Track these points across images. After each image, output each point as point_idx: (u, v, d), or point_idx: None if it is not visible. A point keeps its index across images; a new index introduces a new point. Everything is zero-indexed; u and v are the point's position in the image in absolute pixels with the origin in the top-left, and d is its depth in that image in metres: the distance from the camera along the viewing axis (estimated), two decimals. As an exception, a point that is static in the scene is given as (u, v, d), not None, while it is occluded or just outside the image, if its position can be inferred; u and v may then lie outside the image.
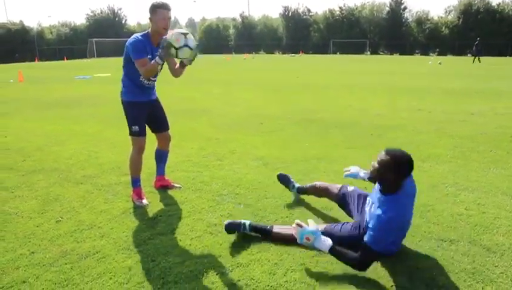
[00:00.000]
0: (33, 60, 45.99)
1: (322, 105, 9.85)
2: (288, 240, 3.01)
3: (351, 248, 2.72)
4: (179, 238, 3.19)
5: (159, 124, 4.09)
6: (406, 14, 59.41)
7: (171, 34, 3.36)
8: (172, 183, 4.33)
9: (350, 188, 3.41)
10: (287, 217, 3.53)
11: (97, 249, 3.06)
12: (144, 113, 3.88)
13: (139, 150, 3.88)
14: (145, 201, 3.87)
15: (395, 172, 2.69)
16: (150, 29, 3.67)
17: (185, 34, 3.37)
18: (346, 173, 3.48)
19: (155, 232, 3.31)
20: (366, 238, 2.66)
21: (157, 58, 3.46)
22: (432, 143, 6.06)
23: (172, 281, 2.64)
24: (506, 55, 47.71)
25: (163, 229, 3.36)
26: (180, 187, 4.31)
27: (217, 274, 2.70)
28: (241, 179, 4.52)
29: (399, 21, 58.20)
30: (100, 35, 52.38)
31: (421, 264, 2.78)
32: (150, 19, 3.61)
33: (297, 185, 3.91)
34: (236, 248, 3.03)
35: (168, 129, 4.17)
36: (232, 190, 4.20)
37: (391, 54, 55.81)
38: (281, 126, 7.39)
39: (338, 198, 3.43)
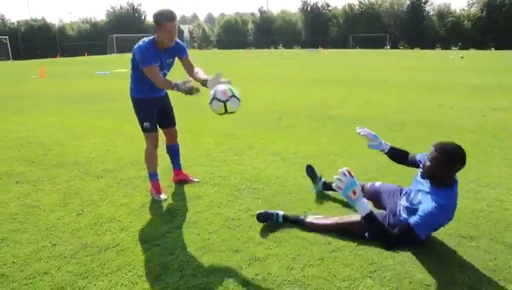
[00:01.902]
0: (55, 56, 46.83)
1: (340, 101, 9.76)
2: (321, 230, 3.10)
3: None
4: (196, 232, 3.21)
5: (166, 120, 4.09)
6: (427, 8, 58.44)
7: (215, 89, 3.29)
8: (190, 178, 4.36)
9: (378, 184, 3.47)
10: (304, 212, 3.51)
11: (117, 242, 3.10)
12: (154, 109, 3.89)
13: (153, 145, 3.92)
14: (163, 195, 3.91)
15: (450, 166, 2.70)
16: (156, 37, 3.61)
17: (228, 86, 3.36)
18: (362, 132, 3.39)
19: (173, 226, 3.33)
20: (412, 220, 2.71)
21: (174, 85, 3.39)
22: (453, 139, 5.88)
23: (191, 274, 2.66)
24: (531, 49, 46.38)
25: (181, 223, 3.38)
26: (198, 181, 4.34)
27: (234, 268, 2.71)
28: (259, 174, 4.52)
29: (420, 15, 57.30)
30: (120, 31, 52.94)
31: (441, 261, 2.73)
32: (156, 29, 3.56)
33: (323, 180, 3.92)
34: (254, 242, 3.03)
35: (175, 125, 4.17)
36: (250, 184, 4.20)
37: (411, 48, 54.95)
38: (298, 122, 7.36)
39: (368, 194, 3.40)
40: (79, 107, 9.54)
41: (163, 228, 3.32)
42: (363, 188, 3.47)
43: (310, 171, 4.00)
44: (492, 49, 49.34)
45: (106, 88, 13.31)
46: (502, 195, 3.84)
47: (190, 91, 3.36)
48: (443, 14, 56.90)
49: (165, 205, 3.77)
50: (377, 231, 2.72)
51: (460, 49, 50.62)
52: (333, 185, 2.80)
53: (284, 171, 4.58)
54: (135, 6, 64.13)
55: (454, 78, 14.87)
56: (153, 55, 3.56)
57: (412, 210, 2.86)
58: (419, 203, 2.80)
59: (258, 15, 69.19)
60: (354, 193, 2.69)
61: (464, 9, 57.55)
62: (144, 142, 3.99)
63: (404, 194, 3.13)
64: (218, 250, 2.94)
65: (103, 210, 3.68)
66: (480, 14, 53.63)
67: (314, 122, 7.33)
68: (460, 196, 3.75)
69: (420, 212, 2.69)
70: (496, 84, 12.58)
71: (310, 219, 3.21)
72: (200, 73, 3.70)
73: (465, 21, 54.97)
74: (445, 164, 2.68)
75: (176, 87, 3.40)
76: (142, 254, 2.93)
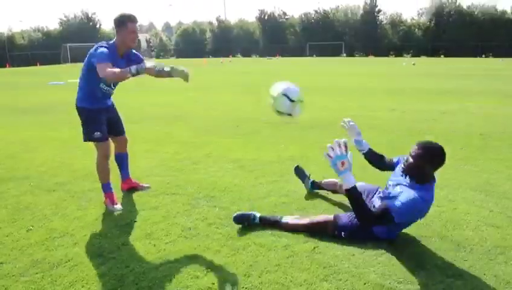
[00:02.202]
0: (4, 66, 44.88)
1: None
2: (297, 229, 3.20)
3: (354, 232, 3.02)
4: (153, 243, 3.16)
5: (116, 129, 4.05)
6: (380, 17, 60.54)
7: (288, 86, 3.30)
8: (140, 184, 4.33)
9: (359, 183, 3.37)
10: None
11: (69, 257, 3.00)
12: (103, 118, 3.82)
13: (104, 155, 3.85)
14: (118, 206, 3.82)
15: (431, 163, 2.82)
16: (115, 41, 3.61)
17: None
18: (350, 122, 3.55)
19: (129, 238, 3.26)
20: (389, 203, 2.77)
21: (133, 68, 3.29)
22: (404, 142, 6.17)
23: (147, 286, 2.61)
24: (476, 56, 49.05)
25: (137, 235, 3.31)
26: (149, 187, 4.31)
27: (191, 278, 2.68)
28: (216, 182, 4.51)
29: (373, 23, 59.30)
30: (74, 40, 51.45)
31: (394, 262, 2.82)
32: (117, 31, 3.56)
33: (311, 179, 4.06)
34: (211, 251, 3.02)
35: (124, 133, 4.15)
36: (207, 193, 4.18)
37: (366, 55, 56.67)
38: (257, 128, 7.41)
39: None
40: (32, 118, 9.18)
41: (119, 240, 3.24)
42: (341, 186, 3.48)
43: (298, 171, 4.17)
44: (442, 56, 51.70)
45: (61, 98, 12.88)
46: (451, 195, 4.02)
47: (143, 69, 3.34)
48: (395, 23, 59.12)
49: (120, 217, 3.68)
50: (356, 206, 2.78)
51: (412, 56, 52.67)
52: (324, 153, 2.80)
53: (241, 179, 4.59)
54: (89, 15, 62.59)
55: (406, 83, 15.47)
56: (110, 56, 3.49)
57: (389, 198, 2.90)
58: (400, 193, 2.84)
59: (216, 24, 69.32)
60: (343, 163, 2.72)
61: (414, 19, 60.04)
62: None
63: (381, 191, 3.26)
64: (174, 260, 2.90)
65: (55, 225, 3.54)
66: (429, 23, 56.14)
67: (272, 128, 7.40)
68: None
69: (400, 198, 2.76)
70: (445, 89, 13.20)
71: (286, 219, 3.29)
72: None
73: (416, 30, 57.40)
74: (428, 161, 2.80)
75: (134, 70, 3.30)
76: (96, 268, 2.84)
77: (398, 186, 2.92)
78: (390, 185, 3.06)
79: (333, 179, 3.92)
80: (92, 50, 3.57)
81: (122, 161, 4.25)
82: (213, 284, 2.61)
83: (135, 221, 3.58)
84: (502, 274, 2.66)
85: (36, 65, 46.01)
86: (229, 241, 3.15)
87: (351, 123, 3.56)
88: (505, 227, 3.31)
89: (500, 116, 8.27)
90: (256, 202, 3.91)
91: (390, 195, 2.92)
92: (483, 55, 50.24)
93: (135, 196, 4.17)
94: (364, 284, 2.58)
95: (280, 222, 3.28)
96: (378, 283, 2.57)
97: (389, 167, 3.40)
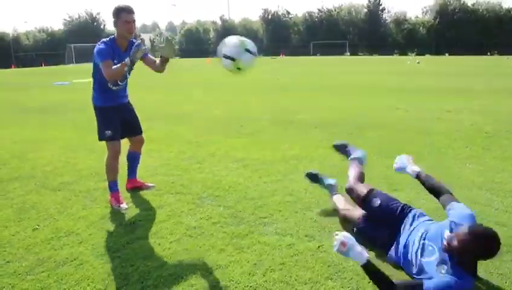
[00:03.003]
0: (9, 67, 45.13)
1: (302, 106, 9.91)
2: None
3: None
4: (158, 242, 3.17)
5: (132, 128, 4.05)
6: (385, 15, 60.38)
7: (223, 42, 3.25)
8: (146, 184, 4.35)
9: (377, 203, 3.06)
10: (266, 217, 3.54)
11: (75, 255, 3.01)
12: (116, 117, 3.82)
13: (114, 154, 3.85)
14: (124, 205, 3.84)
15: (479, 254, 2.33)
16: (115, 34, 3.65)
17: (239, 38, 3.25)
18: (395, 165, 3.15)
19: (134, 237, 3.28)
20: (426, 283, 2.33)
21: (126, 59, 3.42)
22: (409, 140, 6.16)
23: (152, 285, 2.62)
24: (481, 54, 48.80)
25: (142, 234, 3.33)
26: (153, 186, 4.33)
27: (196, 277, 2.69)
28: (220, 181, 4.52)
29: (377, 22, 59.14)
30: (79, 41, 51.71)
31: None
32: (115, 22, 3.60)
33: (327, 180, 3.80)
34: (216, 250, 3.02)
35: (142, 133, 4.15)
36: (212, 192, 4.19)
37: (370, 54, 56.52)
38: (261, 128, 7.41)
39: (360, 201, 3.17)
40: (37, 118, 9.23)
41: (124, 239, 3.25)
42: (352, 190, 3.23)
43: (312, 178, 3.86)
44: (446, 54, 51.46)
45: (66, 99, 12.95)
46: (456, 194, 3.97)
47: (136, 50, 3.40)
48: (399, 21, 58.96)
49: (125, 216, 3.70)
50: (375, 282, 2.43)
51: (416, 55, 52.48)
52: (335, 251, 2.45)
53: (245, 178, 4.60)
54: (94, 15, 62.87)
55: (410, 82, 15.41)
56: (110, 52, 3.53)
57: (421, 268, 2.51)
58: (434, 271, 2.41)
59: (220, 23, 69.39)
60: (344, 245, 2.38)
61: (418, 17, 59.80)
62: (105, 152, 3.91)
63: (414, 227, 2.76)
64: (179, 259, 2.91)
65: (61, 224, 3.56)
66: (433, 21, 55.91)
67: (276, 127, 7.40)
68: (417, 195, 3.90)
69: (436, 280, 2.33)
70: (449, 88, 13.14)
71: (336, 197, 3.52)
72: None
73: (421, 28, 57.19)
74: (475, 251, 2.30)
75: (127, 60, 3.41)
76: (101, 266, 2.86)
77: (440, 264, 2.41)
78: (433, 248, 2.51)
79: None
80: (96, 46, 3.59)
81: (133, 160, 4.25)
82: (218, 282, 2.62)
83: (140, 220, 3.59)
84: (509, 272, 2.65)
85: (41, 65, 46.21)
86: (233, 240, 3.15)
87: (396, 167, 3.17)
88: (511, 225, 3.30)
89: (505, 114, 8.22)
90: (261, 201, 3.91)
91: (427, 267, 2.47)
92: (488, 53, 49.99)
93: (140, 195, 4.19)
94: (369, 282, 2.57)
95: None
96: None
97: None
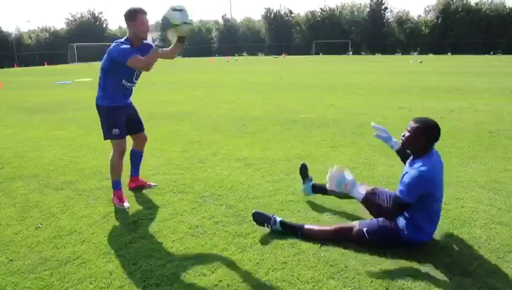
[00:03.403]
0: (12, 66, 45.23)
1: (305, 105, 9.90)
2: (320, 237, 3.09)
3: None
4: (160, 241, 3.18)
5: (136, 126, 4.11)
6: (387, 15, 60.22)
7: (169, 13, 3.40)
8: (148, 183, 4.37)
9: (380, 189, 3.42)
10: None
11: (77, 254, 3.02)
12: (123, 116, 3.88)
13: (120, 153, 3.87)
14: (126, 204, 3.85)
15: (426, 136, 2.92)
16: (128, 35, 3.70)
17: (179, 11, 3.39)
18: (376, 126, 3.60)
19: (136, 236, 3.28)
20: (397, 191, 2.89)
21: (155, 47, 3.59)
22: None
23: (154, 284, 2.62)
24: (484, 53, 48.66)
25: (145, 233, 3.34)
26: (156, 185, 4.34)
27: (198, 276, 2.69)
28: (223, 180, 4.52)
29: (380, 21, 58.98)
30: (81, 40, 51.81)
31: (401, 259, 2.80)
32: (129, 25, 3.67)
33: (313, 182, 3.86)
34: (218, 249, 3.03)
35: (144, 130, 4.21)
36: (214, 191, 4.19)
37: (373, 54, 56.43)
38: (263, 127, 7.41)
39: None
40: (40, 117, 9.25)
41: (126, 238, 3.26)
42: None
43: (303, 170, 3.99)
44: (449, 54, 51.32)
45: (68, 98, 12.98)
46: (459, 193, 4.00)
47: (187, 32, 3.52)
48: (402, 20, 58.76)
49: (127, 215, 3.70)
50: (375, 211, 2.89)
51: (419, 54, 52.38)
52: (327, 185, 2.91)
53: (248, 177, 4.60)
54: (96, 15, 62.89)
55: (413, 81, 15.38)
56: (132, 49, 3.59)
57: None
58: (403, 177, 2.96)
59: (222, 22, 69.33)
60: (345, 185, 2.80)
61: (421, 16, 59.65)
62: (107, 151, 3.93)
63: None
64: (181, 258, 2.92)
65: (63, 223, 3.58)
66: (436, 20, 55.73)
67: (279, 126, 7.40)
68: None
69: (404, 180, 2.89)
70: (453, 87, 13.10)
71: (308, 226, 3.19)
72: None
73: (423, 27, 56.97)
74: (423, 133, 2.92)
75: (158, 44, 3.64)
76: (104, 265, 2.87)
77: (405, 176, 2.97)
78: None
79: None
80: (111, 48, 3.61)
81: (136, 159, 4.29)
82: (220, 281, 2.62)
83: (142, 219, 3.60)
84: (511, 272, 2.64)
85: (44, 65, 46.32)
86: (235, 239, 3.15)
87: (377, 127, 3.61)
88: (514, 225, 3.29)
89: (509, 114, 8.20)
90: (263, 200, 3.91)
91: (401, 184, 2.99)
92: (492, 52, 49.83)
93: (142, 194, 4.20)
94: (372, 282, 2.57)
95: (303, 228, 3.16)
96: (385, 281, 2.57)
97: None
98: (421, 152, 2.94)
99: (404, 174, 2.99)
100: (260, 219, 3.27)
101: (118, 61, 3.53)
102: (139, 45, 3.75)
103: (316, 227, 3.20)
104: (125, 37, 3.72)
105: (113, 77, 3.72)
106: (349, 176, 2.84)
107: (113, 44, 3.65)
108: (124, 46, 3.58)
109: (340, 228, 3.12)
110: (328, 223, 3.39)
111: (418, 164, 2.87)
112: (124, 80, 3.75)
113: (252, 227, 3.34)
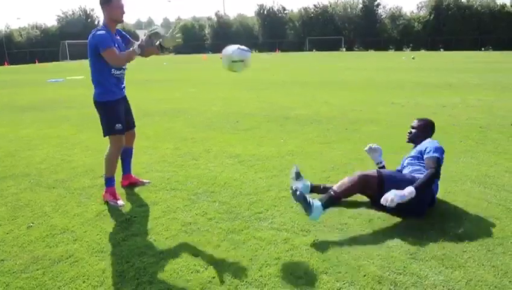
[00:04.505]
0: (2, 64, 44.78)
1: (298, 102, 9.91)
2: (347, 189, 3.37)
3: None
4: (153, 239, 3.17)
5: (127, 122, 4.04)
6: (380, 11, 60.34)
7: (230, 53, 3.44)
8: (141, 180, 4.36)
9: (386, 172, 3.59)
10: (261, 213, 3.55)
11: (70, 253, 3.01)
12: (123, 110, 3.87)
13: (119, 148, 3.87)
14: (120, 201, 3.83)
15: (431, 129, 3.90)
16: (104, 21, 3.68)
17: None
18: (373, 147, 4.17)
19: (129, 234, 3.28)
20: (428, 155, 3.48)
21: (136, 47, 3.51)
22: (404, 135, 6.15)
23: (147, 281, 2.62)
24: (475, 49, 48.94)
25: (138, 230, 3.33)
26: (149, 182, 4.33)
27: (192, 273, 2.69)
28: (216, 177, 4.52)
29: (373, 17, 59.11)
30: (72, 37, 51.30)
31: (393, 253, 2.83)
32: (104, 9, 3.61)
33: (309, 183, 3.81)
34: (211, 245, 3.03)
35: (135, 126, 4.18)
36: (208, 188, 4.19)
37: (366, 50, 56.57)
38: (256, 124, 7.41)
39: (377, 180, 3.43)
40: (31, 116, 9.18)
41: (119, 236, 3.25)
42: (367, 176, 3.45)
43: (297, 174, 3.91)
44: (442, 50, 51.57)
45: (60, 96, 12.89)
46: (450, 187, 4.03)
47: (148, 39, 3.52)
48: (395, 17, 58.93)
49: (120, 213, 3.69)
50: (428, 185, 3.28)
51: (412, 50, 52.58)
52: (387, 205, 3.07)
53: (241, 174, 4.60)
54: (88, 12, 62.42)
55: (406, 77, 15.44)
56: (111, 38, 3.57)
57: (413, 165, 3.65)
58: (423, 149, 3.58)
59: (215, 19, 69.10)
60: (401, 197, 3.05)
61: (413, 13, 59.84)
62: (100, 149, 3.92)
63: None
64: (175, 255, 2.92)
65: (55, 221, 3.56)
66: (429, 17, 55.94)
67: (272, 123, 7.40)
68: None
69: (430, 148, 3.51)
70: (445, 83, 13.18)
71: (335, 187, 3.39)
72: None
73: (416, 24, 57.16)
74: (425, 128, 3.85)
75: (139, 48, 3.52)
76: (96, 263, 2.86)
77: (412, 152, 3.75)
78: (409, 158, 3.75)
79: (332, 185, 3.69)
80: (90, 38, 3.58)
81: (127, 155, 4.25)
82: (213, 278, 2.62)
83: (135, 217, 3.59)
84: (501, 265, 2.67)
85: (35, 63, 45.91)
86: (229, 236, 3.16)
87: (375, 147, 4.17)
88: (503, 218, 3.32)
89: (499, 109, 8.26)
90: (256, 197, 3.92)
91: (420, 155, 3.62)
92: (483, 48, 50.13)
93: (135, 191, 4.18)
94: (364, 276, 2.59)
95: (331, 188, 3.42)
96: (378, 275, 2.59)
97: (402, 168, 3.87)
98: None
99: (420, 151, 3.61)
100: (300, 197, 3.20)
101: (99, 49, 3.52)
102: (115, 31, 3.73)
103: (339, 187, 3.38)
104: (102, 25, 3.68)
105: (102, 69, 3.65)
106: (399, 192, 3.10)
107: (93, 32, 3.61)
108: (101, 32, 3.55)
109: (360, 176, 3.39)
110: (325, 220, 3.40)
111: (428, 140, 3.68)
112: (113, 69, 3.70)
113: (245, 223, 3.35)
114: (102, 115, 3.82)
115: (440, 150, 3.50)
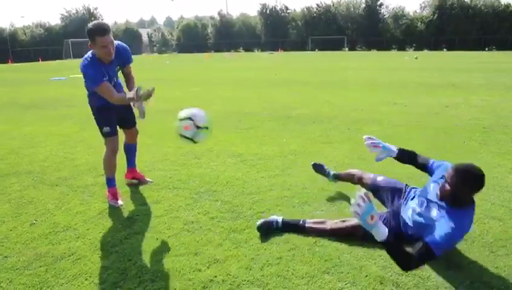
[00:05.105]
0: (6, 62, 44.89)
1: (300, 101, 9.90)
2: (321, 234, 3.07)
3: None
4: (155, 237, 3.18)
5: (126, 121, 4.07)
6: (383, 10, 60.21)
7: (177, 125, 3.16)
8: (145, 178, 4.37)
9: (380, 178, 3.42)
10: (263, 212, 3.55)
11: (73, 250, 3.02)
12: (114, 113, 3.83)
13: (112, 150, 3.85)
14: (120, 201, 3.84)
15: (470, 188, 2.56)
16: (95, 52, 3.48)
17: (192, 120, 3.14)
18: (368, 141, 3.29)
19: (132, 232, 3.28)
20: (429, 239, 2.46)
21: (128, 99, 3.49)
22: (407, 136, 6.17)
23: (149, 279, 2.63)
24: (479, 49, 48.77)
25: (140, 229, 3.34)
26: (152, 182, 4.34)
27: (194, 271, 2.70)
28: (218, 176, 4.52)
29: (376, 17, 58.97)
30: (76, 36, 51.30)
31: (395, 254, 2.82)
32: (91, 44, 3.40)
33: (332, 172, 3.93)
34: (213, 244, 3.03)
35: (135, 125, 4.17)
36: (210, 187, 4.20)
37: (369, 49, 56.46)
38: (259, 123, 7.41)
39: (370, 187, 3.40)
40: (34, 113, 9.20)
41: (121, 234, 3.26)
42: (361, 178, 3.51)
43: (317, 167, 4.05)
44: (445, 50, 51.42)
45: (63, 94, 12.91)
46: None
47: (148, 96, 3.41)
48: (398, 16, 58.76)
49: (123, 211, 3.70)
50: (395, 255, 2.45)
51: (415, 50, 52.46)
52: (351, 209, 2.40)
53: (243, 173, 4.60)
54: (91, 10, 62.49)
55: (409, 77, 15.40)
56: (99, 71, 3.46)
57: (424, 226, 2.68)
58: (434, 220, 2.62)
59: (218, 18, 69.07)
60: (372, 218, 2.34)
61: (416, 12, 59.69)
62: (102, 147, 3.91)
63: (412, 198, 2.99)
64: (177, 254, 2.92)
65: (58, 219, 3.57)
66: (432, 16, 55.79)
67: (274, 123, 7.40)
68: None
69: (438, 232, 2.49)
70: (448, 83, 13.14)
71: (309, 223, 3.14)
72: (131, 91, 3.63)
73: (419, 23, 56.99)
74: (466, 186, 2.54)
75: (130, 100, 3.50)
76: (99, 261, 2.87)
77: (434, 210, 2.67)
78: (424, 200, 2.81)
79: (350, 170, 3.79)
80: (81, 68, 3.49)
81: (129, 151, 4.30)
82: (215, 277, 2.63)
83: (137, 215, 3.60)
84: (503, 266, 2.67)
85: (38, 61, 46.02)
86: (231, 235, 3.16)
87: (368, 143, 3.31)
88: (507, 220, 3.32)
89: (503, 109, 8.24)
90: (258, 196, 3.92)
91: (426, 221, 2.68)
92: (487, 48, 49.96)
93: (137, 190, 4.19)
94: (366, 276, 2.59)
95: (304, 227, 3.12)
96: (379, 275, 2.59)
97: (424, 168, 3.14)
98: (462, 204, 2.60)
99: (431, 210, 2.68)
100: (265, 227, 3.15)
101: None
102: (110, 61, 3.54)
103: (315, 226, 3.12)
104: (92, 53, 3.49)
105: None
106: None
107: (82, 62, 3.49)
108: (92, 68, 3.41)
109: (342, 228, 3.02)
110: (321, 217, 3.40)
111: (458, 218, 2.52)
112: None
113: (247, 223, 3.35)
114: (94, 117, 3.85)
115: (447, 245, 2.49)
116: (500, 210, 3.50)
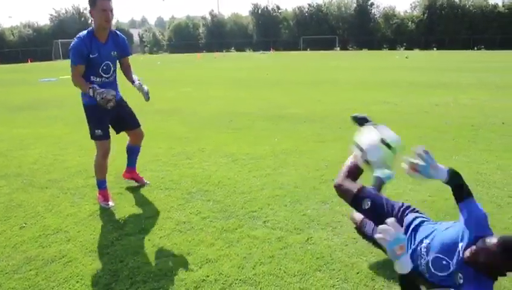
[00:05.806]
0: (-7, 63, 44.41)
1: (292, 101, 9.92)
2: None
3: None
4: (147, 238, 3.17)
5: (127, 122, 3.96)
6: (374, 10, 60.58)
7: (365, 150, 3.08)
8: (143, 180, 4.34)
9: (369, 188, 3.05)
10: (255, 211, 3.55)
11: (63, 253, 3.00)
12: (107, 116, 3.69)
13: (103, 154, 3.75)
14: (111, 203, 3.81)
15: (506, 264, 2.08)
16: (93, 26, 3.47)
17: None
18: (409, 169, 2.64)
19: (123, 233, 3.27)
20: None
21: (90, 91, 3.33)
22: (398, 134, 6.17)
23: (141, 280, 2.62)
24: (468, 49, 49.24)
25: (132, 230, 3.32)
26: (148, 183, 4.33)
27: (186, 271, 2.69)
28: (210, 176, 4.52)
29: (367, 17, 59.32)
30: (66, 36, 50.80)
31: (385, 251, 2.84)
32: (90, 12, 3.39)
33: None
34: (205, 244, 3.03)
35: (139, 126, 4.06)
36: (201, 187, 4.19)
37: (360, 49, 56.74)
38: (250, 122, 7.41)
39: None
40: (24, 115, 9.12)
41: (113, 235, 3.24)
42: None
43: (358, 119, 3.77)
44: (435, 49, 51.82)
45: (53, 95, 12.81)
46: (443, 185, 4.01)
47: (104, 103, 3.29)
48: (388, 16, 59.18)
49: (114, 212, 3.68)
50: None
51: (405, 49, 52.77)
52: (376, 235, 2.16)
53: (235, 173, 4.60)
54: (81, 11, 62.03)
55: (399, 76, 15.50)
56: (81, 54, 3.40)
57: (443, 280, 2.30)
58: (460, 285, 2.21)
59: (209, 18, 68.99)
60: (401, 248, 2.10)
61: (407, 12, 60.15)
62: (93, 149, 3.85)
63: (420, 241, 2.50)
64: (169, 254, 2.92)
65: (48, 221, 3.54)
66: (422, 16, 56.25)
67: (267, 122, 7.41)
68: (405, 188, 3.96)
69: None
70: (438, 82, 13.25)
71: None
72: (136, 81, 3.76)
73: (409, 23, 57.45)
74: (503, 262, 2.06)
75: (91, 90, 3.33)
76: (90, 263, 2.85)
77: (460, 275, 2.22)
78: (447, 261, 2.30)
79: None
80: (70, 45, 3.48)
81: (132, 152, 4.21)
82: (207, 276, 2.62)
83: (129, 216, 3.59)
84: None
85: (27, 62, 45.59)
86: (223, 235, 3.16)
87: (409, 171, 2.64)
88: (495, 214, 3.37)
89: (491, 108, 8.32)
90: (250, 195, 3.92)
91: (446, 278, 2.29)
92: (475, 48, 50.45)
93: (129, 191, 4.17)
94: (357, 273, 2.61)
95: None
96: (371, 272, 2.60)
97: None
98: (489, 274, 2.16)
99: (457, 275, 2.22)
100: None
101: None
102: (106, 38, 3.50)
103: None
104: (90, 29, 3.48)
105: (85, 75, 3.51)
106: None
107: (75, 37, 3.46)
108: (79, 46, 3.38)
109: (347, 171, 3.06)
110: (318, 218, 3.42)
111: (479, 284, 2.14)
112: (92, 76, 3.53)
113: (239, 222, 3.35)
114: (87, 118, 3.73)
115: None
116: (488, 206, 3.54)
